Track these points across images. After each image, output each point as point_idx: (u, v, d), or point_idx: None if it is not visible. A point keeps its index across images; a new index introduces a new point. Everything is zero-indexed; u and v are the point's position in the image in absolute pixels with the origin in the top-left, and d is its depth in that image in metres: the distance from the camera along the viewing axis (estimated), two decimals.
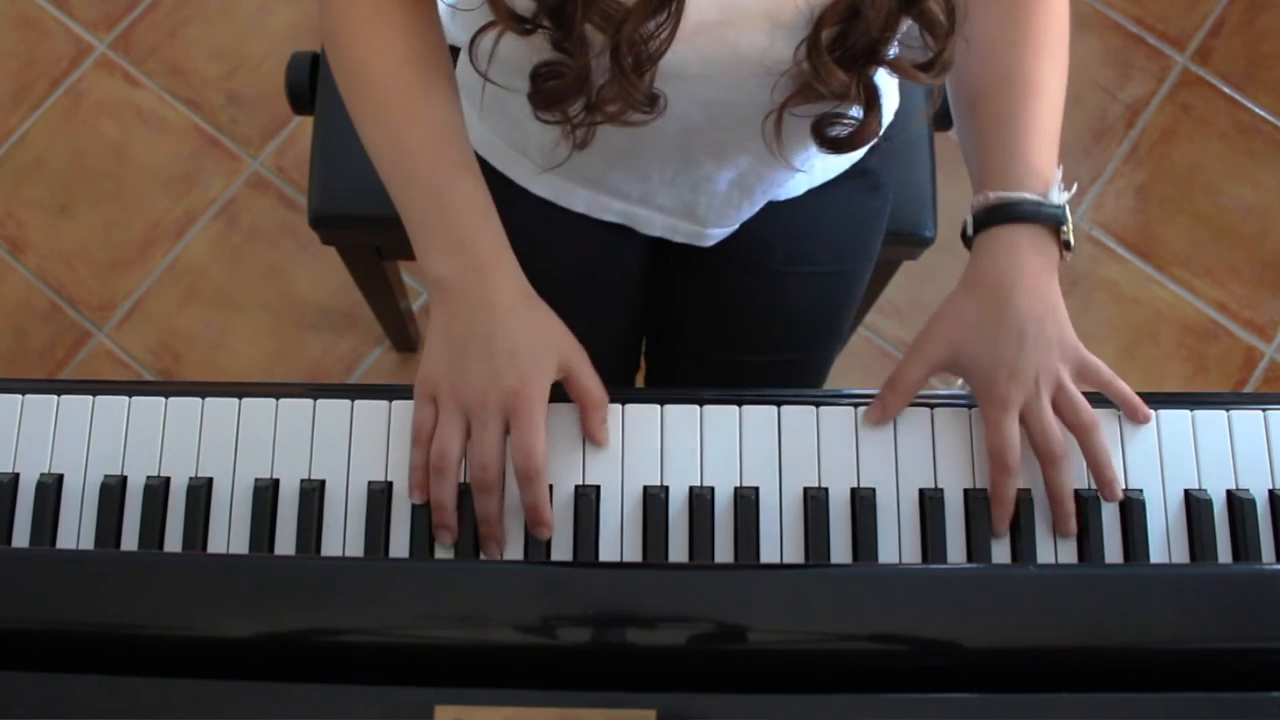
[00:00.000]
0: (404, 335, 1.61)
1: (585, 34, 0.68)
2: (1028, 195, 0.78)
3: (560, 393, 0.79)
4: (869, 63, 0.71)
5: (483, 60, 0.74)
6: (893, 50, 0.72)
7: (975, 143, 0.83)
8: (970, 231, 0.80)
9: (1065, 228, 0.78)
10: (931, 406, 0.80)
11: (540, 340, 0.77)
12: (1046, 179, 0.79)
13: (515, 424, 0.75)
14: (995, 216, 0.78)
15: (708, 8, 0.69)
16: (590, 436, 0.78)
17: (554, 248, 0.98)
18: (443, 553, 0.77)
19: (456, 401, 0.76)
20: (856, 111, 0.75)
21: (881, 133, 0.76)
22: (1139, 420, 0.79)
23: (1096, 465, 0.77)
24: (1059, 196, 0.78)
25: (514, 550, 0.77)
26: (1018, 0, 0.83)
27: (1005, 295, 0.77)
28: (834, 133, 0.77)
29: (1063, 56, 0.83)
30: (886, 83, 0.75)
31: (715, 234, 0.97)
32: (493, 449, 0.75)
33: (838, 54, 0.70)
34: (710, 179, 0.91)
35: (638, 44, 0.67)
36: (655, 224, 0.97)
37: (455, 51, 0.95)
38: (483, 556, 0.77)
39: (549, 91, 0.73)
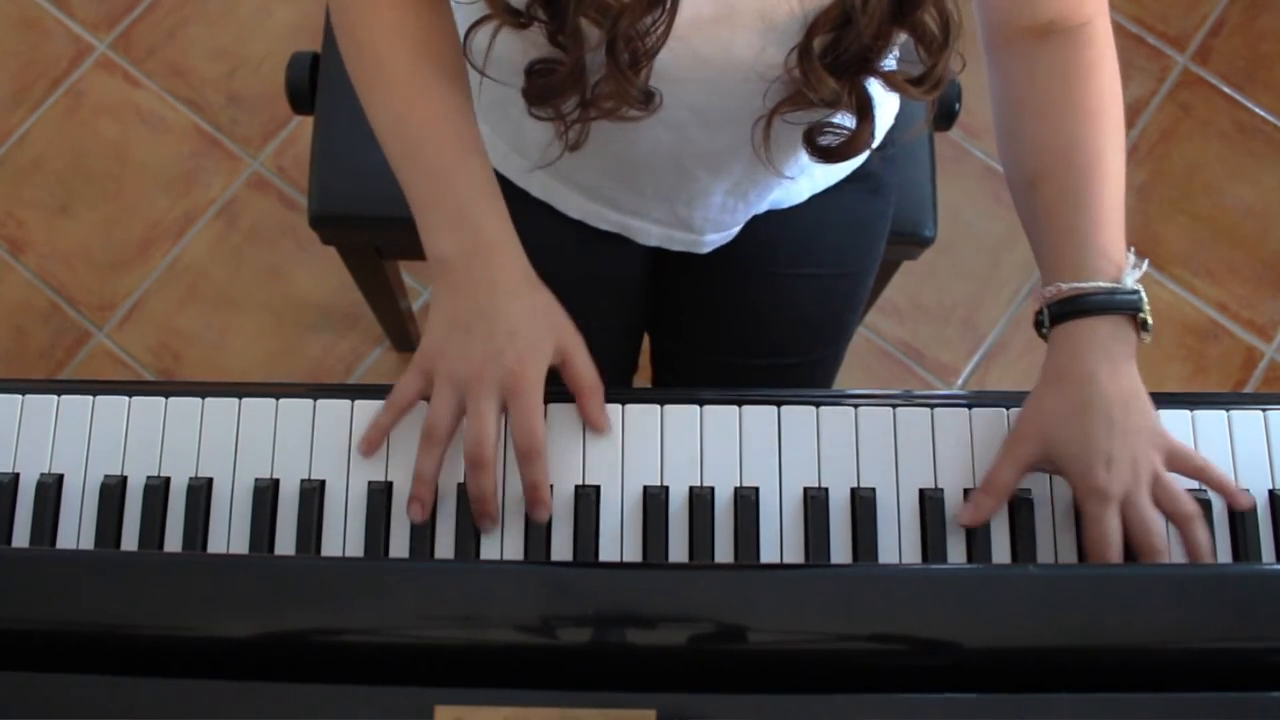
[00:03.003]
0: (404, 335, 1.61)
1: (580, 28, 0.68)
2: (1102, 284, 0.75)
3: (561, 393, 0.79)
4: (860, 72, 0.70)
5: (478, 56, 0.74)
6: (889, 63, 0.72)
7: (1041, 225, 0.80)
8: (1045, 323, 0.78)
9: (1142, 313, 0.75)
10: (931, 406, 0.80)
11: (541, 323, 0.77)
12: (1119, 262, 0.76)
13: (514, 405, 0.75)
14: (1070, 309, 0.76)
15: (703, 4, 0.69)
16: (590, 422, 0.78)
17: (552, 250, 0.97)
18: (443, 552, 0.77)
19: (452, 377, 0.76)
20: (849, 121, 0.75)
21: (876, 144, 0.76)
22: (1240, 507, 0.77)
23: (1198, 558, 0.75)
24: (1132, 279, 0.76)
25: (513, 549, 0.77)
26: (1069, 66, 0.80)
27: (1089, 386, 0.74)
28: (825, 141, 0.76)
29: (1119, 120, 0.80)
30: (884, 91, 0.75)
31: (712, 240, 0.97)
32: (489, 425, 0.75)
33: (829, 61, 0.69)
34: (705, 192, 0.91)
35: (634, 39, 0.67)
36: (651, 234, 0.97)
37: None
38: (482, 540, 0.77)
39: (544, 86, 0.73)
